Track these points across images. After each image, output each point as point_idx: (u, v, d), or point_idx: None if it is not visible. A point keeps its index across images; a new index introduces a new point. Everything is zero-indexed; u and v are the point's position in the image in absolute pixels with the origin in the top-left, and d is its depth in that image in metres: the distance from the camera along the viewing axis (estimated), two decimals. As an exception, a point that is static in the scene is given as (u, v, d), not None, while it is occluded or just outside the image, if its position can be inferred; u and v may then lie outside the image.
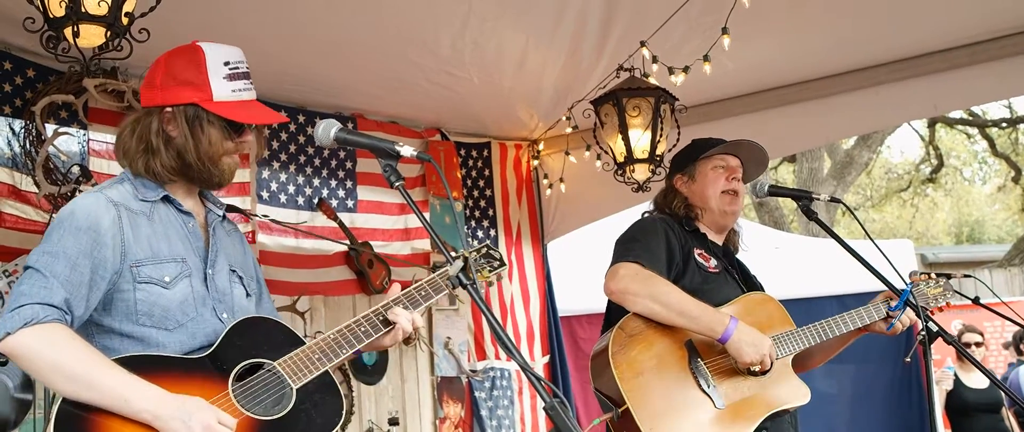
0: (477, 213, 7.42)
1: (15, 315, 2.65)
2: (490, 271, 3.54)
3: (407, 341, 6.60)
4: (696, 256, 4.08)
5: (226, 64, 2.98)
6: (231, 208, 3.30)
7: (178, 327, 2.88)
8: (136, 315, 2.84)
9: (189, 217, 3.04)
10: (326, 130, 2.82)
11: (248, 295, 3.14)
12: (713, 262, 4.13)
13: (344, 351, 3.02)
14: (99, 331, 2.85)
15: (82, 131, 5.09)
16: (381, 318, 3.14)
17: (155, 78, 2.99)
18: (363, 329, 3.09)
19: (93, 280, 2.77)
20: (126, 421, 2.63)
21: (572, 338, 8.35)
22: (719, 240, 4.31)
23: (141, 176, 3.00)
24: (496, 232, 7.51)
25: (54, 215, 4.13)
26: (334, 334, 3.04)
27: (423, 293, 3.27)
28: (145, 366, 2.71)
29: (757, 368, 3.83)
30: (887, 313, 4.13)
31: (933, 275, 4.37)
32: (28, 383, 4.81)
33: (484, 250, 3.59)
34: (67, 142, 5.01)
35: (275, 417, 2.82)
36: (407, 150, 2.68)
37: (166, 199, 3.00)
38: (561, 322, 7.84)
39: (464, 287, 2.44)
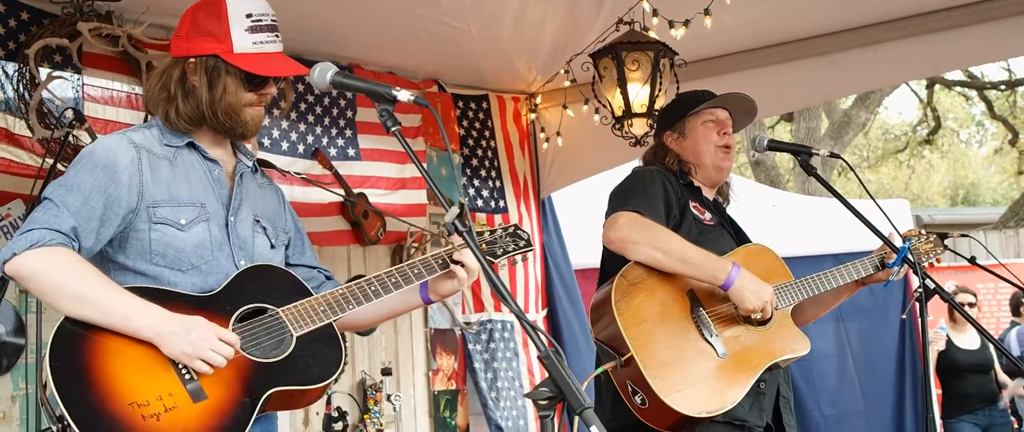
0: (485, 163, 7.41)
1: (23, 238, 2.75)
2: (515, 250, 3.56)
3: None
4: (692, 208, 4.06)
5: (248, 16, 3.04)
6: (263, 163, 3.34)
7: (191, 269, 2.95)
8: (150, 254, 2.92)
9: (214, 165, 3.11)
10: (322, 73, 2.80)
11: (273, 246, 3.20)
12: (708, 215, 4.11)
13: (351, 306, 3.08)
14: (114, 267, 2.93)
15: (76, 75, 5.05)
16: (441, 261, 3.23)
17: (182, 29, 3.07)
18: (374, 288, 3.12)
19: (105, 216, 2.85)
20: (125, 339, 2.75)
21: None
22: (711, 194, 4.28)
23: (166, 122, 3.08)
24: (503, 183, 7.50)
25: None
26: (343, 288, 3.10)
27: (440, 261, 3.27)
28: (151, 297, 2.82)
29: (759, 315, 3.82)
30: (882, 267, 4.13)
31: (923, 232, 4.36)
32: (20, 327, 4.81)
33: (512, 229, 3.61)
34: (61, 86, 4.97)
35: (271, 360, 2.90)
36: (404, 95, 2.66)
37: (191, 145, 3.08)
38: (558, 276, 7.84)
39: (460, 234, 2.42)
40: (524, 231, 3.62)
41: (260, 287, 3.01)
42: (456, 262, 3.23)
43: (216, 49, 3.01)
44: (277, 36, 3.12)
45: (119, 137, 2.99)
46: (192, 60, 3.03)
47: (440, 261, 3.24)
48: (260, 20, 3.07)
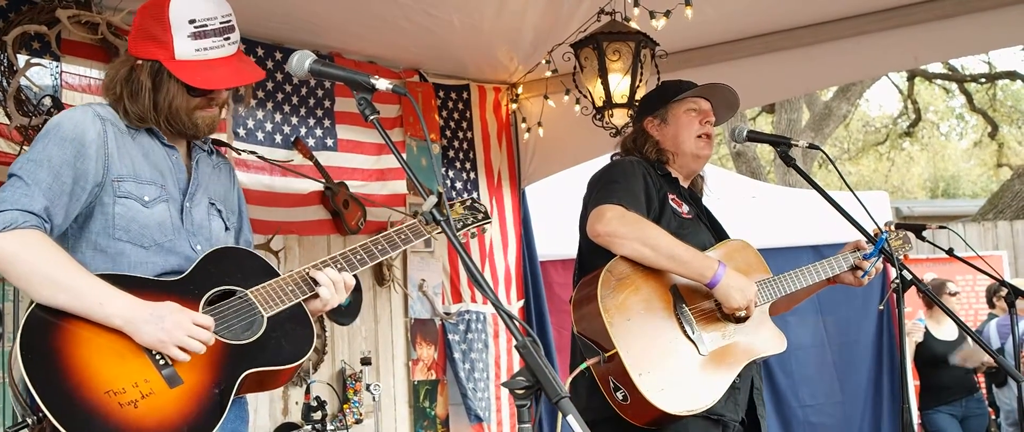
0: (460, 155, 7.38)
1: None
2: (474, 223, 3.56)
3: (381, 281, 6.61)
4: (671, 201, 4.04)
5: (191, 22, 2.98)
6: (218, 142, 3.34)
7: (154, 245, 2.95)
8: (114, 229, 2.90)
9: (173, 150, 3.10)
10: (301, 61, 2.78)
11: (227, 229, 3.20)
12: (685, 208, 4.10)
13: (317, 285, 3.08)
14: (76, 242, 2.91)
15: (55, 63, 5.02)
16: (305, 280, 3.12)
17: (132, 28, 3.07)
18: (344, 263, 3.16)
19: (74, 190, 2.84)
20: (97, 327, 2.73)
21: (547, 283, 8.35)
22: (686, 185, 4.28)
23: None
24: (477, 175, 7.48)
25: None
26: (310, 267, 3.11)
27: (402, 236, 3.32)
28: (118, 284, 2.79)
29: (743, 313, 3.83)
30: (859, 261, 4.14)
31: (894, 227, 4.37)
32: (-2, 316, 4.78)
33: (469, 203, 3.63)
34: (39, 74, 4.93)
35: (244, 342, 2.90)
36: (382, 83, 2.64)
37: (150, 131, 3.07)
38: (532, 267, 7.83)
39: (438, 223, 2.42)
40: (481, 204, 3.64)
41: (226, 269, 3.01)
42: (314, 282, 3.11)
43: (158, 55, 2.98)
44: (227, 39, 3.03)
45: (85, 110, 2.97)
46: (140, 61, 3.02)
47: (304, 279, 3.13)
48: (205, 25, 3.00)
